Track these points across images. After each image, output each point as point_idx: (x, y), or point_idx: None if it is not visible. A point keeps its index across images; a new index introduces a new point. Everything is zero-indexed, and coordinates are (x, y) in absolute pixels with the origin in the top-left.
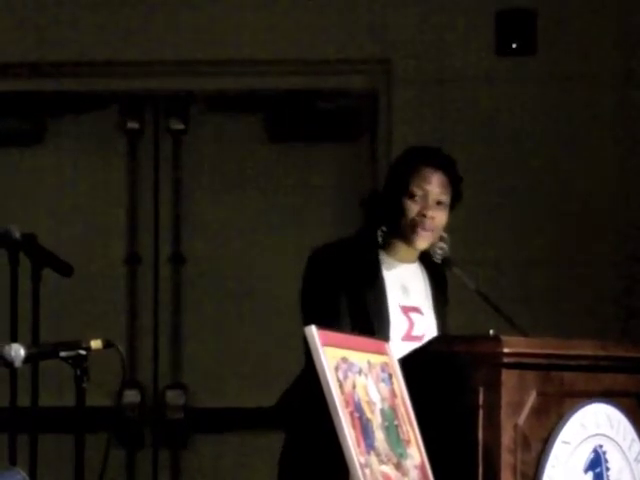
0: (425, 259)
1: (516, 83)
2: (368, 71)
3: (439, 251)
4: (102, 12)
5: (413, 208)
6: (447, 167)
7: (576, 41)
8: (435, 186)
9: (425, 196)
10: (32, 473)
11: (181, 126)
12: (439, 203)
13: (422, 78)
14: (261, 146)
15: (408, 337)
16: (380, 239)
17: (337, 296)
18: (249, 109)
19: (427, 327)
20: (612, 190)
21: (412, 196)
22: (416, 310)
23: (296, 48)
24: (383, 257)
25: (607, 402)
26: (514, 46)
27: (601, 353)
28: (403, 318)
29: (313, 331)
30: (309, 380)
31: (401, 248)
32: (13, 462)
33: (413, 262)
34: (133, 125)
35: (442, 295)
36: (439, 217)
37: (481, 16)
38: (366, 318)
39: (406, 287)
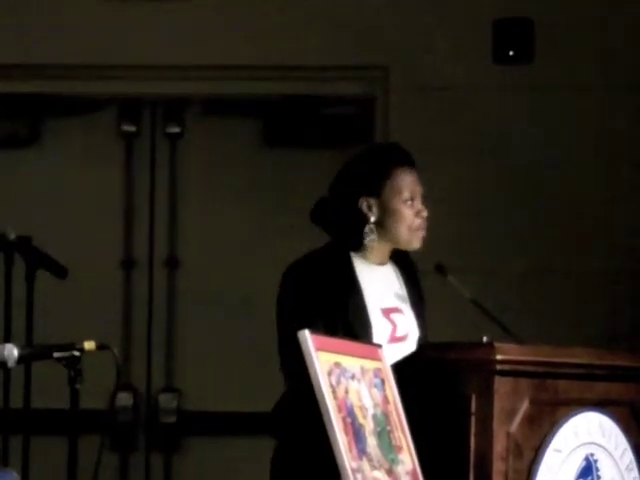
0: (393, 257)
1: (513, 91)
2: (365, 78)
3: None
4: (100, 16)
5: (409, 211)
6: (413, 160)
7: (573, 50)
8: (417, 184)
9: (415, 197)
10: (25, 475)
11: (177, 130)
12: (424, 197)
13: (419, 85)
14: (257, 151)
15: (393, 339)
16: (368, 241)
17: (314, 311)
18: (246, 114)
19: (409, 326)
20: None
21: (405, 200)
22: (397, 311)
23: (293, 54)
24: (357, 262)
25: (600, 411)
26: (511, 54)
27: (595, 362)
28: (385, 321)
29: (306, 335)
30: (301, 386)
31: (380, 249)
32: (5, 463)
33: (386, 263)
34: (130, 128)
35: (417, 293)
36: (426, 213)
37: (479, 24)
38: (348, 326)
39: (384, 289)
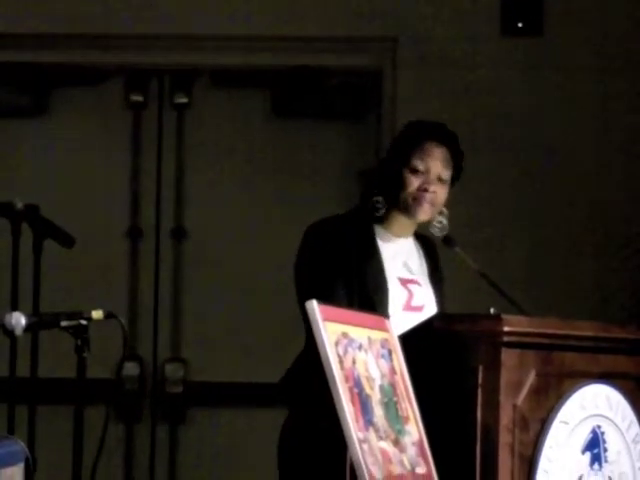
0: (418, 236)
1: (521, 64)
2: (374, 50)
3: (438, 225)
4: None
5: (414, 182)
6: (450, 142)
7: (584, 23)
8: (438, 161)
9: (427, 170)
10: (30, 444)
11: (185, 100)
12: (440, 179)
13: (427, 57)
14: (265, 122)
15: (408, 307)
16: (378, 211)
17: (334, 269)
18: (254, 85)
19: (426, 298)
20: (616, 178)
21: (414, 170)
22: (414, 282)
23: (302, 25)
24: (379, 230)
25: (607, 383)
26: (520, 27)
27: (602, 334)
28: (402, 289)
29: (314, 305)
30: (312, 356)
31: (398, 221)
32: (11, 432)
33: (408, 237)
34: (137, 98)
35: (437, 272)
36: (440, 192)
37: None
38: (364, 290)
39: (403, 260)
